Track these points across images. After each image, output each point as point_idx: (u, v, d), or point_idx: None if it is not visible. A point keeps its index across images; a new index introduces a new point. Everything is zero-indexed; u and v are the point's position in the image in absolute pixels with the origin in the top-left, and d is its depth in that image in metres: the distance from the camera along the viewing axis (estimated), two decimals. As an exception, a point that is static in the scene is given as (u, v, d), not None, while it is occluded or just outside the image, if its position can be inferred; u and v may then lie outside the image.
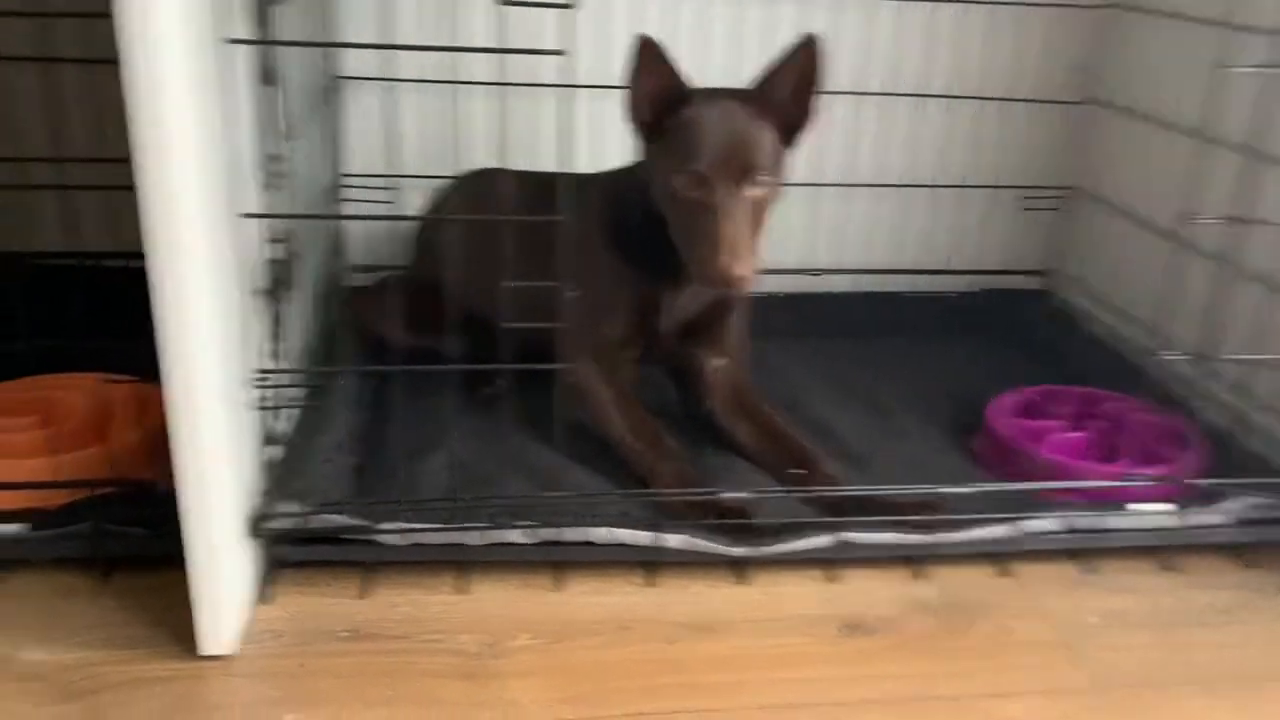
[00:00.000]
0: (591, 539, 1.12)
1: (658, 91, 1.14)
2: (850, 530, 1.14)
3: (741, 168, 1.12)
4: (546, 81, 1.43)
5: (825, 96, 1.15)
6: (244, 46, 0.94)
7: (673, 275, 1.23)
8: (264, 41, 0.94)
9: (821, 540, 1.14)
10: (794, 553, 1.14)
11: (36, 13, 1.22)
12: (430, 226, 1.48)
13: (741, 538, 1.13)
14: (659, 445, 1.23)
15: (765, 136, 1.15)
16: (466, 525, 1.09)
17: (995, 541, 1.18)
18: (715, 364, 1.33)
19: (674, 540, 1.12)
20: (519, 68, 1.52)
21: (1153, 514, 1.20)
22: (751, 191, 1.13)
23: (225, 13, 0.91)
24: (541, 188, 1.18)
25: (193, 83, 0.87)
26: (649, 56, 1.12)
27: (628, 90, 1.14)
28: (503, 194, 1.31)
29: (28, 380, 1.24)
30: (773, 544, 1.13)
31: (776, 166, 1.17)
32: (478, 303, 1.28)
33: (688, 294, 1.27)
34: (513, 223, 1.16)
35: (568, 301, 1.08)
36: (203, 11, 0.89)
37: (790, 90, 1.16)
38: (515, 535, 1.11)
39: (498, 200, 1.31)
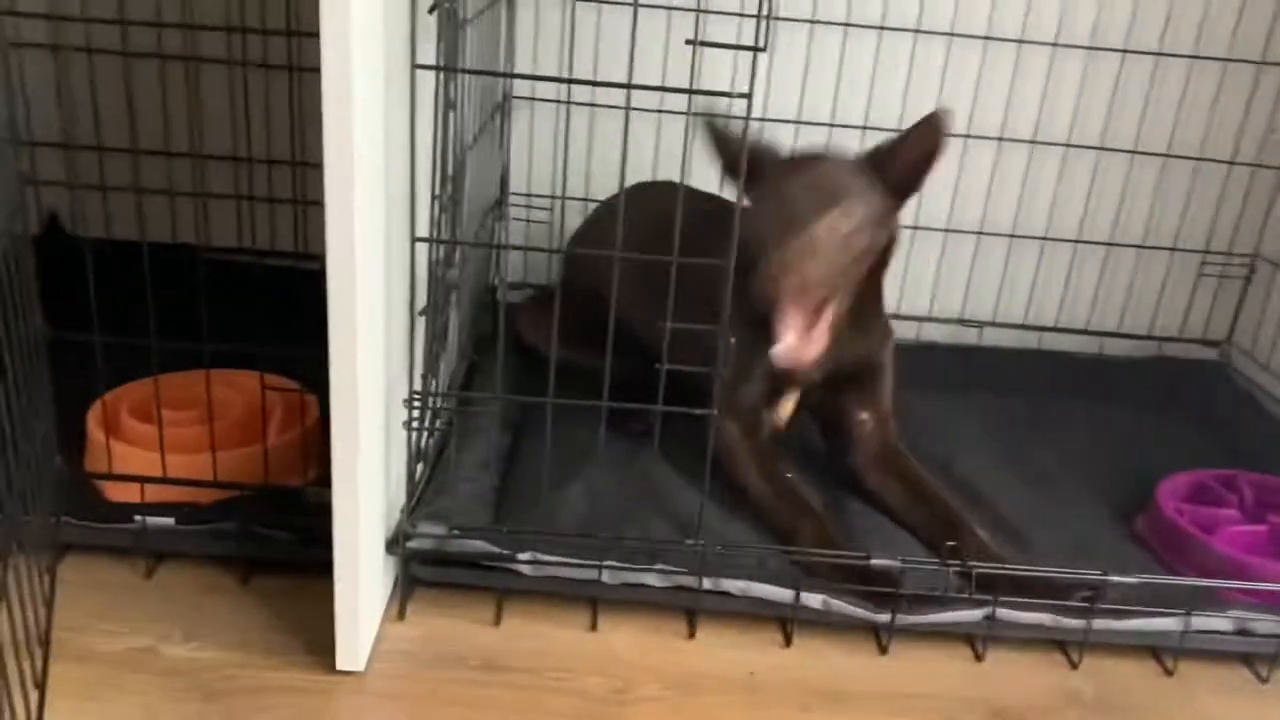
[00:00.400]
0: (727, 589, 1.09)
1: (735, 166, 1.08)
2: (1003, 608, 1.08)
3: (817, 263, 1.08)
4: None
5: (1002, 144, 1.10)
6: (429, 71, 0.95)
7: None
8: (452, 69, 0.94)
9: (971, 615, 1.09)
10: (941, 624, 1.08)
11: (252, 29, 1.27)
12: (587, 239, 1.45)
13: (885, 604, 1.08)
14: (798, 502, 1.18)
15: (864, 213, 1.11)
16: (602, 564, 1.07)
17: (1158, 635, 1.10)
18: (862, 418, 1.28)
19: (813, 600, 1.08)
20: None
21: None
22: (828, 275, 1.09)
23: (417, 38, 0.91)
24: (708, 212, 1.12)
25: (383, 106, 0.87)
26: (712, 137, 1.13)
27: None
28: (663, 210, 1.27)
29: (194, 374, 1.27)
30: (919, 613, 1.08)
31: (876, 225, 1.13)
32: (631, 325, 1.25)
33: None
34: (667, 244, 1.12)
35: (724, 346, 1.05)
36: (399, 37, 0.90)
37: (909, 163, 1.13)
38: (650, 578, 1.09)
39: (657, 217, 1.27)
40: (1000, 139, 1.61)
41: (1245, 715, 1.07)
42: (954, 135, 1.59)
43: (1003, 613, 1.08)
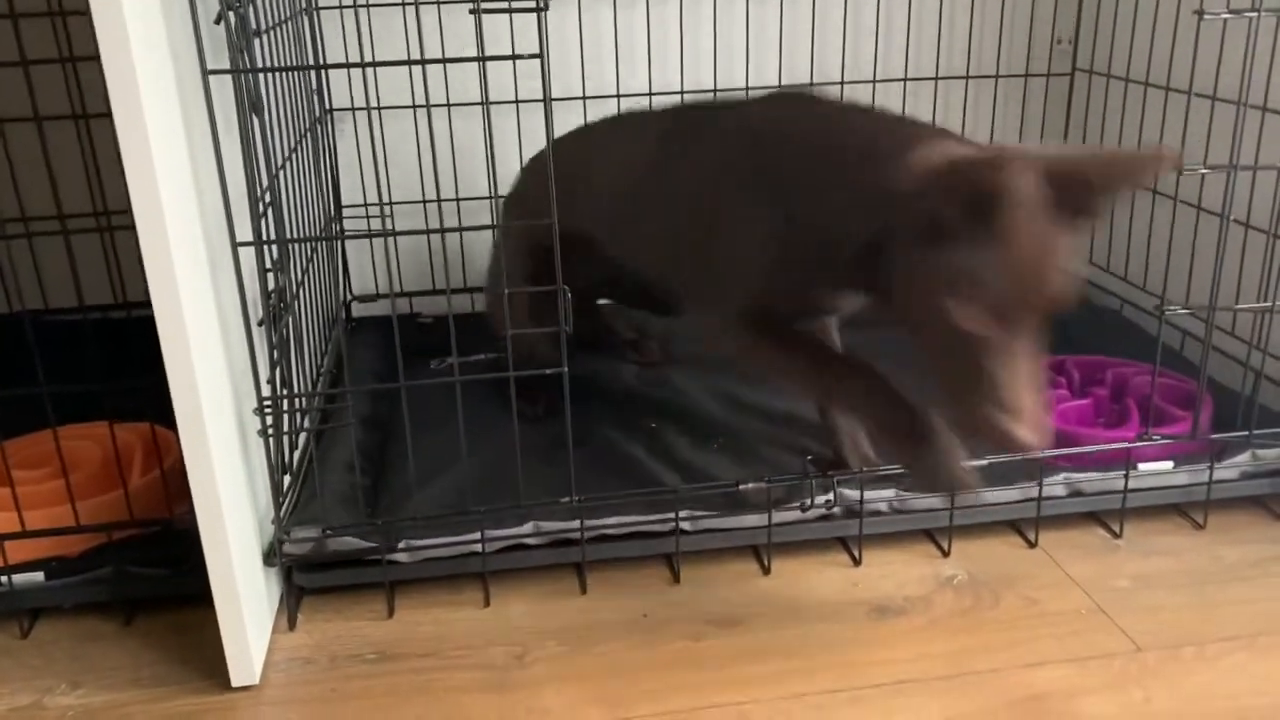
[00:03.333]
0: (608, 530, 1.12)
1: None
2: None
3: (1049, 304, 0.85)
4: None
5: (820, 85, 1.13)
6: (230, 79, 0.95)
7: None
8: (247, 70, 0.95)
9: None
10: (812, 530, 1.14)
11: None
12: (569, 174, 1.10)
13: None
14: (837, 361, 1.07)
15: (1068, 250, 0.85)
16: (482, 527, 1.09)
17: (1011, 508, 1.18)
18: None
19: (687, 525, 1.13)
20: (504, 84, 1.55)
21: (1163, 473, 1.19)
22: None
23: (209, 47, 0.92)
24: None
25: (180, 117, 0.88)
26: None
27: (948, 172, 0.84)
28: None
29: (41, 434, 1.24)
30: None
31: None
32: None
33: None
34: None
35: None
36: (186, 46, 0.90)
37: (1098, 188, 0.86)
38: (531, 539, 1.11)
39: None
40: (810, 85, 1.68)
41: (1106, 570, 1.14)
42: (770, 88, 1.67)
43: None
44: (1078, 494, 1.19)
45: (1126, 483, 1.18)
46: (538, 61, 0.93)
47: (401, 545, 1.08)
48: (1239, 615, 1.06)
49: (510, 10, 0.89)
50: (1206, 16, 1.06)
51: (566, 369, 1.03)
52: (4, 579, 1.06)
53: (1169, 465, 1.19)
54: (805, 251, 0.99)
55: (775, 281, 1.03)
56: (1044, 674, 0.99)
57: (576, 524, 1.11)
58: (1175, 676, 0.98)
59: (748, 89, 1.65)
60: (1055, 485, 1.18)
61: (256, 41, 1.00)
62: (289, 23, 1.27)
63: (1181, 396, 1.30)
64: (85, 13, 1.15)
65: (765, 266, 1.03)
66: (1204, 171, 1.14)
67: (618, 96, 1.63)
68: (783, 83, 1.67)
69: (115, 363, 1.01)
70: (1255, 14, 1.07)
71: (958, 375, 0.86)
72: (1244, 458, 1.20)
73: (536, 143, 1.55)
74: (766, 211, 1.01)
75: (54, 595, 1.08)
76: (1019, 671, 0.99)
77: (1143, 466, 1.19)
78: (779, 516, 1.13)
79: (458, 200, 1.62)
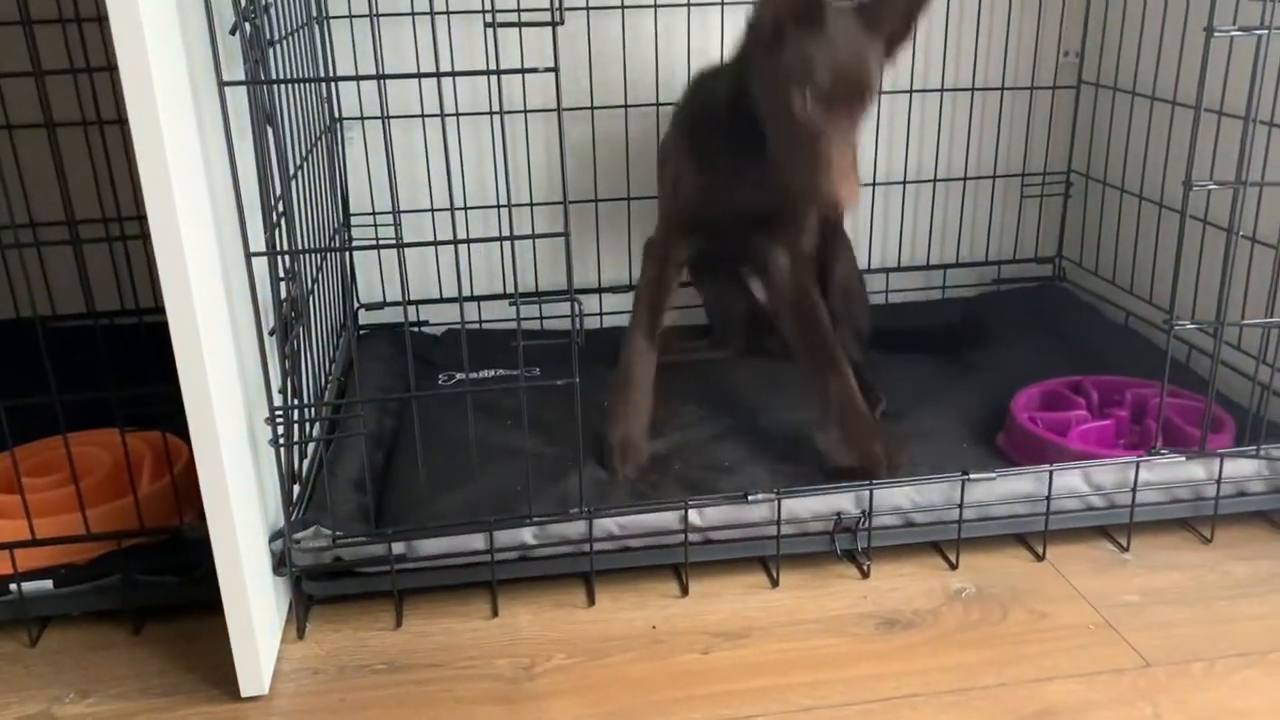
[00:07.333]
0: (613, 530, 1.12)
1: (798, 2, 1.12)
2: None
3: (860, 96, 1.12)
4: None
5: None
6: (244, 90, 0.96)
7: (754, 172, 1.23)
8: (261, 81, 0.96)
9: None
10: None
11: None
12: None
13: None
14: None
15: (879, 61, 1.15)
16: (492, 527, 1.09)
17: (1022, 521, 1.18)
18: (782, 262, 1.34)
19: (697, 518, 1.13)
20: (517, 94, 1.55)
21: (1178, 464, 1.19)
22: (861, 116, 1.14)
23: (224, 57, 0.92)
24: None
25: (196, 128, 0.88)
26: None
27: None
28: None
29: (52, 440, 1.25)
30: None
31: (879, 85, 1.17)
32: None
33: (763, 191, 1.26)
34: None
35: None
36: (202, 58, 0.91)
37: (902, 8, 1.16)
38: (526, 535, 1.11)
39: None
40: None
41: (1115, 584, 1.14)
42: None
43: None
44: (1087, 508, 1.19)
45: (1134, 497, 1.18)
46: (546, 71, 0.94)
47: (410, 553, 1.08)
48: (1249, 631, 1.06)
49: (526, 25, 0.89)
50: (1216, 34, 1.07)
51: (578, 379, 1.03)
52: (13, 587, 1.06)
53: (1182, 458, 1.19)
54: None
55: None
56: (1053, 689, 0.99)
57: (584, 528, 1.11)
58: (1185, 692, 0.98)
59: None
60: (1064, 499, 1.18)
61: (269, 52, 1.01)
62: (300, 31, 1.28)
63: (1200, 417, 1.29)
64: (97, 20, 1.16)
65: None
66: (1211, 187, 1.14)
67: (625, 107, 1.63)
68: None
69: (124, 369, 1.02)
70: (1265, 31, 1.07)
71: (797, 157, 1.13)
72: (1252, 472, 1.20)
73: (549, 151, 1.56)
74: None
75: (63, 603, 1.08)
76: (1028, 686, 0.99)
77: (1157, 460, 1.19)
78: (787, 529, 1.13)
79: (466, 209, 1.62)
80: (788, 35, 1.12)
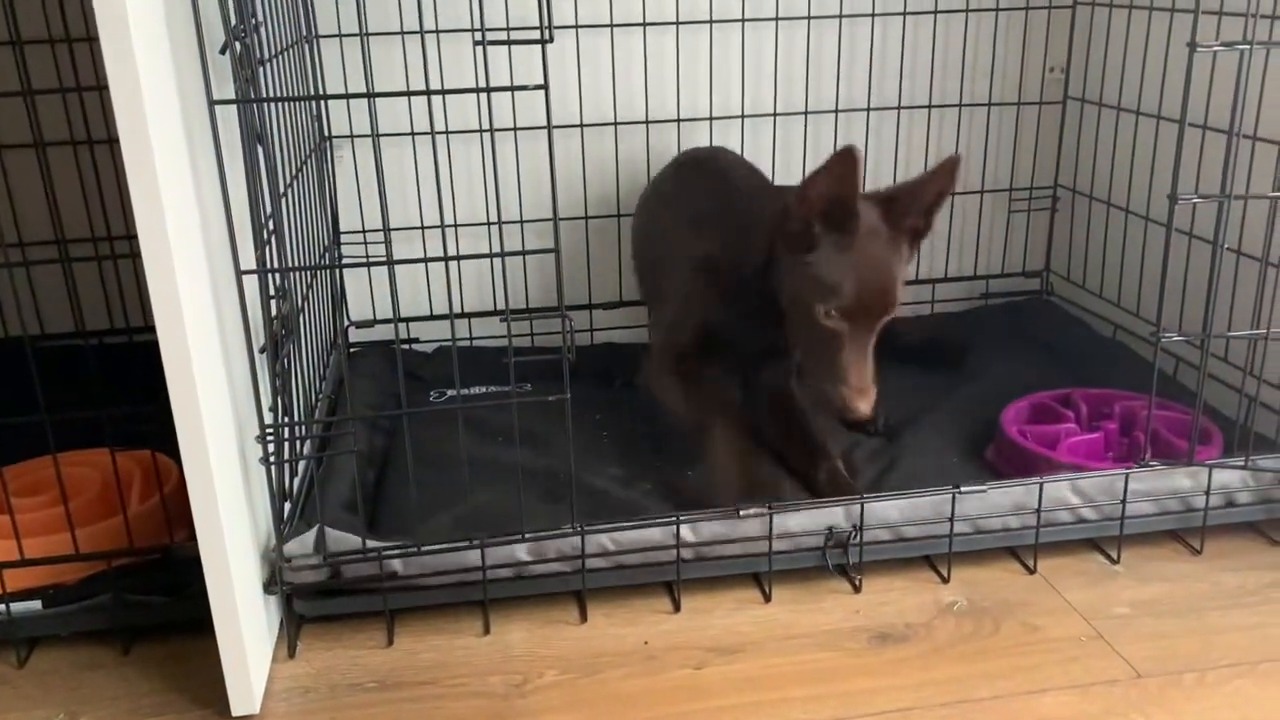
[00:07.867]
0: (607, 546, 1.11)
1: (832, 200, 1.12)
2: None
3: (883, 309, 1.14)
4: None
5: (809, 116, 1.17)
6: (234, 108, 0.96)
7: (768, 333, 1.26)
8: (252, 100, 0.96)
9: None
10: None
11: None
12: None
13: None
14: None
15: (903, 267, 1.17)
16: (483, 545, 1.08)
17: (1014, 535, 1.18)
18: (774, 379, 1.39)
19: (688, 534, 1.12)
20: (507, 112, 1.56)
21: (1161, 474, 1.19)
22: (882, 323, 1.16)
23: (214, 76, 0.92)
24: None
25: (186, 146, 0.88)
26: (845, 166, 1.09)
27: (803, 188, 1.14)
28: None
29: (41, 460, 1.24)
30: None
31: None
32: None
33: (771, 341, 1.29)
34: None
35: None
36: (193, 77, 0.91)
37: (926, 204, 1.17)
38: (521, 552, 1.10)
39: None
40: (805, 113, 1.69)
41: (1103, 596, 1.15)
42: (766, 115, 1.68)
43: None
44: (1078, 520, 1.19)
45: (1124, 509, 1.19)
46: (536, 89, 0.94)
47: (402, 570, 1.08)
48: (1239, 642, 1.07)
49: (515, 43, 0.90)
50: (1199, 50, 1.08)
51: (569, 395, 1.04)
52: (1, 607, 1.06)
53: (1171, 470, 1.19)
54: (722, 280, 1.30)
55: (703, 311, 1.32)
56: (1046, 701, 0.99)
57: (577, 544, 1.10)
58: (1176, 703, 0.99)
59: (743, 117, 1.67)
60: (1055, 511, 1.18)
61: (260, 71, 1.01)
62: (290, 50, 1.28)
63: (1188, 429, 1.30)
64: (88, 40, 1.17)
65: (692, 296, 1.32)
66: (1196, 200, 1.15)
67: (615, 124, 1.64)
68: (778, 110, 1.69)
69: (113, 388, 1.02)
70: (1247, 46, 1.08)
71: (817, 361, 1.17)
72: (1240, 483, 1.21)
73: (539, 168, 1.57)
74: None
75: (52, 624, 1.08)
76: (1021, 699, 0.99)
77: (1146, 472, 1.19)
78: (779, 544, 1.13)
79: (456, 226, 1.62)
80: (818, 237, 1.13)
